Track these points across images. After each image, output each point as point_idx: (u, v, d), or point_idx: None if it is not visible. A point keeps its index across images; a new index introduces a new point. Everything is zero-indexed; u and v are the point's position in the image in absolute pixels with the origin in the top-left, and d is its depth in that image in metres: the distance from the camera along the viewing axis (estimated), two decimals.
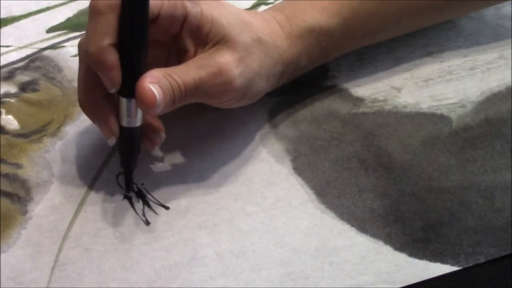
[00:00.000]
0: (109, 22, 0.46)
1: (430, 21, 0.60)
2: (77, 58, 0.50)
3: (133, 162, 0.51)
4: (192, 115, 0.56)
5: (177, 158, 0.53)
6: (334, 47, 0.56)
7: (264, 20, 0.53)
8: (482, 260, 0.48)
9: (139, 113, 0.48)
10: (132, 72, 0.47)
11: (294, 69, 0.55)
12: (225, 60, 0.49)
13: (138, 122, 0.49)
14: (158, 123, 0.52)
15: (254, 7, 0.64)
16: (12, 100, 0.57)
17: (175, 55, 0.51)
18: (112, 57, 0.46)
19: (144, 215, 0.50)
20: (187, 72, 0.48)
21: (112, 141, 0.50)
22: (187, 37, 0.50)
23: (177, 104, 0.48)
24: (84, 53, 0.47)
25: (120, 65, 0.47)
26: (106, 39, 0.46)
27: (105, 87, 0.47)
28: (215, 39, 0.49)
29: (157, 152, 0.53)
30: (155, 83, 0.46)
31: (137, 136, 0.50)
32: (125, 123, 0.49)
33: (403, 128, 0.55)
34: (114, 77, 0.47)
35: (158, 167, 0.53)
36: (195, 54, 0.50)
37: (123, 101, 0.48)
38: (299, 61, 0.54)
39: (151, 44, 0.48)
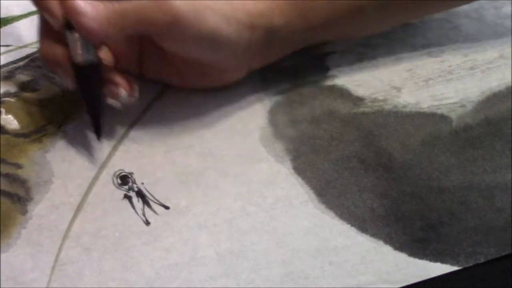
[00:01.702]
0: None
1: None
2: None
3: (97, 105, 0.51)
4: (192, 114, 0.56)
5: (176, 157, 0.53)
6: (312, 9, 0.54)
7: None
8: (482, 260, 0.48)
9: (91, 49, 0.49)
10: None
11: (267, 27, 0.52)
12: None
13: (90, 56, 0.49)
14: (119, 78, 0.52)
15: None
16: (12, 100, 0.57)
17: None
18: None
19: (144, 215, 0.50)
20: (128, 1, 0.48)
21: (70, 85, 0.51)
22: None
23: (113, 25, 0.48)
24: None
25: None
26: None
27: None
28: None
29: (114, 103, 0.53)
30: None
31: (96, 72, 0.50)
32: (78, 58, 0.49)
33: (403, 127, 0.55)
34: (54, 10, 0.48)
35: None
36: None
37: (68, 35, 0.48)
38: (270, 18, 0.52)
39: None
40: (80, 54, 0.49)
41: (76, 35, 0.48)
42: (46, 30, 0.51)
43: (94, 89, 0.50)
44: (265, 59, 0.56)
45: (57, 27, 0.49)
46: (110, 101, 0.52)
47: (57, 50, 0.50)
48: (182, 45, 0.51)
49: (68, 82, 0.51)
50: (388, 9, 0.55)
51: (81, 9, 0.47)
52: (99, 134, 0.52)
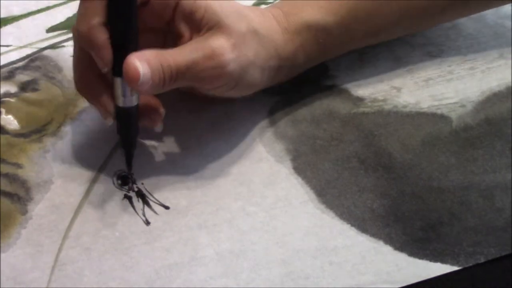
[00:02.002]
0: (99, 2, 0.47)
1: (431, 22, 0.60)
2: None
3: (133, 143, 0.51)
4: (192, 115, 0.56)
5: (177, 157, 0.53)
6: (332, 45, 0.56)
7: (261, 14, 0.53)
8: (482, 260, 0.48)
9: (135, 93, 0.49)
10: (122, 50, 0.47)
11: (291, 65, 0.55)
12: (219, 44, 0.49)
13: (133, 101, 0.49)
14: (155, 102, 0.52)
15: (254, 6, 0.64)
16: (12, 100, 0.57)
17: (171, 42, 0.51)
18: (102, 35, 0.47)
19: (144, 215, 0.50)
20: (180, 53, 0.48)
21: (109, 122, 0.50)
22: (181, 23, 0.50)
23: (168, 83, 0.48)
24: (76, 33, 0.48)
25: (110, 44, 0.47)
26: (96, 18, 0.47)
27: (98, 67, 0.48)
28: (209, 25, 0.49)
29: (158, 128, 0.53)
30: (143, 60, 0.47)
31: (134, 115, 0.50)
32: (120, 102, 0.49)
33: (403, 127, 0.55)
34: (104, 56, 0.47)
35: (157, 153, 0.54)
36: (190, 40, 0.50)
37: (116, 80, 0.48)
38: (296, 58, 0.54)
39: (145, 30, 0.49)
40: (122, 99, 0.49)
41: (119, 80, 0.48)
42: (82, 62, 0.50)
43: (130, 126, 0.51)
44: (276, 83, 0.57)
45: (103, 70, 0.48)
46: (156, 129, 0.53)
47: (98, 88, 0.50)
48: (217, 90, 0.52)
49: (106, 118, 0.51)
50: (407, 24, 0.58)
51: (142, 81, 0.47)
52: (130, 168, 0.52)
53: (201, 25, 0.49)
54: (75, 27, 0.48)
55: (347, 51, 0.58)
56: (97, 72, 0.49)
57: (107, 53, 0.47)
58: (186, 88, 0.55)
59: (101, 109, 0.50)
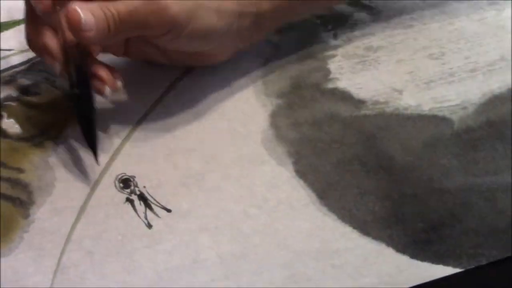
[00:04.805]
0: None
1: None
2: None
3: (92, 128, 0.52)
4: (193, 118, 0.56)
5: (178, 160, 0.53)
6: None
7: None
8: (484, 262, 0.48)
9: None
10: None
11: (255, 13, 0.54)
12: None
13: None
14: (105, 73, 0.53)
15: None
16: (13, 104, 0.57)
17: None
18: None
19: (146, 218, 0.50)
20: (122, 2, 0.49)
21: (57, 68, 0.52)
22: None
23: (113, 32, 0.49)
24: None
25: None
26: None
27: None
28: None
29: (108, 93, 0.53)
30: (84, 8, 0.48)
31: (87, 100, 0.52)
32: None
33: (405, 130, 0.55)
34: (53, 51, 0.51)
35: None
36: None
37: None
38: (258, 3, 0.54)
39: None
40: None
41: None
42: (32, 17, 0.52)
43: (89, 113, 0.52)
44: (251, 41, 0.58)
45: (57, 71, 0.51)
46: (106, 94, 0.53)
47: (45, 37, 0.51)
48: (176, 42, 0.52)
49: (56, 67, 0.52)
50: None
51: (85, 26, 0.48)
52: (96, 155, 0.52)
53: None
54: None
55: (320, 5, 0.58)
56: (45, 22, 0.51)
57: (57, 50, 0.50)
58: (150, 54, 0.56)
59: (48, 56, 0.51)
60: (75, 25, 0.48)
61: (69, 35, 0.50)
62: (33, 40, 0.52)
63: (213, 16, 0.52)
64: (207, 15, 0.51)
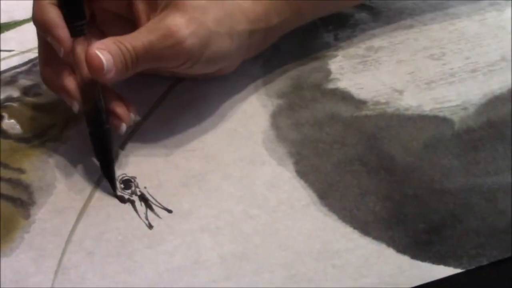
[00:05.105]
0: None
1: None
2: None
3: (110, 161, 0.52)
4: (194, 118, 0.56)
5: (179, 161, 0.53)
6: (306, 4, 0.56)
7: None
8: (485, 262, 0.48)
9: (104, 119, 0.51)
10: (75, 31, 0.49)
11: (265, 28, 0.54)
12: (174, 22, 0.49)
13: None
14: (121, 108, 0.52)
15: None
16: (14, 104, 0.57)
17: (132, 28, 0.51)
18: (53, 13, 0.48)
19: (147, 219, 0.50)
20: (137, 37, 0.49)
21: (75, 107, 0.51)
22: (139, 5, 0.51)
23: (130, 69, 0.49)
24: (35, 23, 0.49)
25: (65, 24, 0.49)
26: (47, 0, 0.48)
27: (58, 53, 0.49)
28: (164, 3, 0.50)
29: (124, 130, 0.53)
30: (102, 49, 0.47)
31: (105, 136, 0.51)
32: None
33: (405, 130, 0.55)
34: (58, 35, 0.48)
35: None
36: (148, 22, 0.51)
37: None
38: (268, 19, 0.54)
39: (110, 20, 0.50)
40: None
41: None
42: (47, 55, 0.51)
43: (106, 150, 0.52)
44: (258, 50, 0.58)
45: (60, 53, 0.49)
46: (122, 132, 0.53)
47: (62, 76, 0.51)
48: (189, 70, 0.52)
49: (72, 104, 0.52)
50: None
51: (106, 69, 0.47)
52: (114, 188, 0.52)
53: (157, 4, 0.50)
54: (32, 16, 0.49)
55: (322, 13, 0.58)
56: (61, 61, 0.50)
57: (61, 32, 0.48)
58: (160, 70, 0.56)
59: (66, 96, 0.51)
60: (98, 70, 0.47)
61: (85, 72, 0.49)
62: (49, 79, 0.52)
63: (226, 40, 0.52)
64: (220, 41, 0.51)
